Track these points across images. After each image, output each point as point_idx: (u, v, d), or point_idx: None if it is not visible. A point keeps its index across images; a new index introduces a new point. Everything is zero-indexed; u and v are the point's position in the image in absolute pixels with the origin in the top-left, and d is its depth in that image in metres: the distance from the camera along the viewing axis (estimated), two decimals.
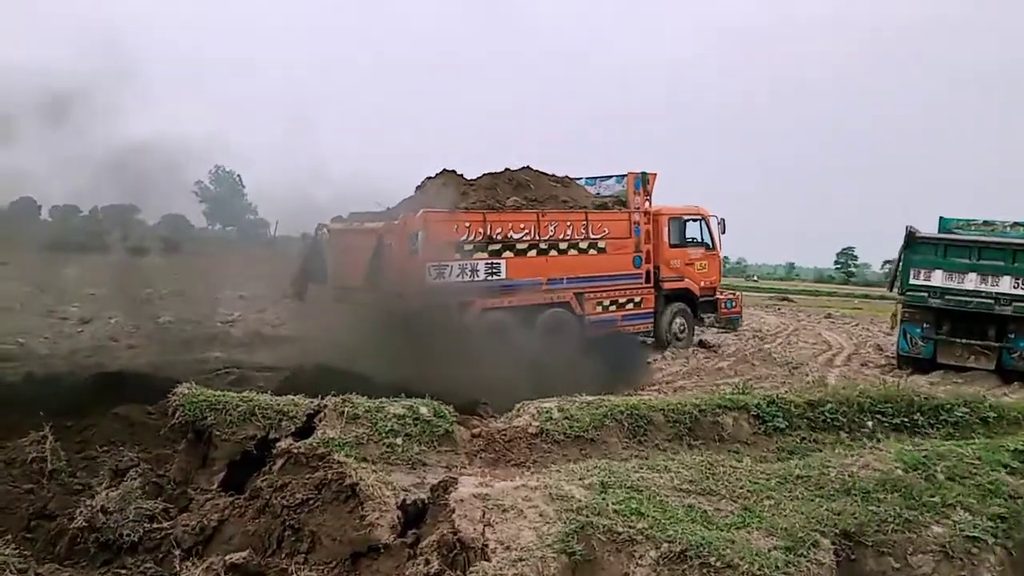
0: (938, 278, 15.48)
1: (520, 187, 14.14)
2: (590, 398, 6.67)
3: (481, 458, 5.71)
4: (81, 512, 4.76)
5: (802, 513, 4.24)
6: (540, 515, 3.95)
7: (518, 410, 6.51)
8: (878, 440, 6.73)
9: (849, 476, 4.68)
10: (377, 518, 4.08)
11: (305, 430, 5.70)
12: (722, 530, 4.01)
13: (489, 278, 12.80)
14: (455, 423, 5.98)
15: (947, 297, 15.24)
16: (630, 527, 3.86)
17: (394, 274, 11.74)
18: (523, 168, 14.64)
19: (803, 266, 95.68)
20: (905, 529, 4.15)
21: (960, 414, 7.07)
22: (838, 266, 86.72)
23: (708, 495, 4.43)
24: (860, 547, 4.11)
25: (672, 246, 15.95)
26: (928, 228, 16.26)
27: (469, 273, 12.61)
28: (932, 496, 4.42)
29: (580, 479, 4.46)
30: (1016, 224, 16.28)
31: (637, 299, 15.12)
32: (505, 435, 6.00)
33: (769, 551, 3.86)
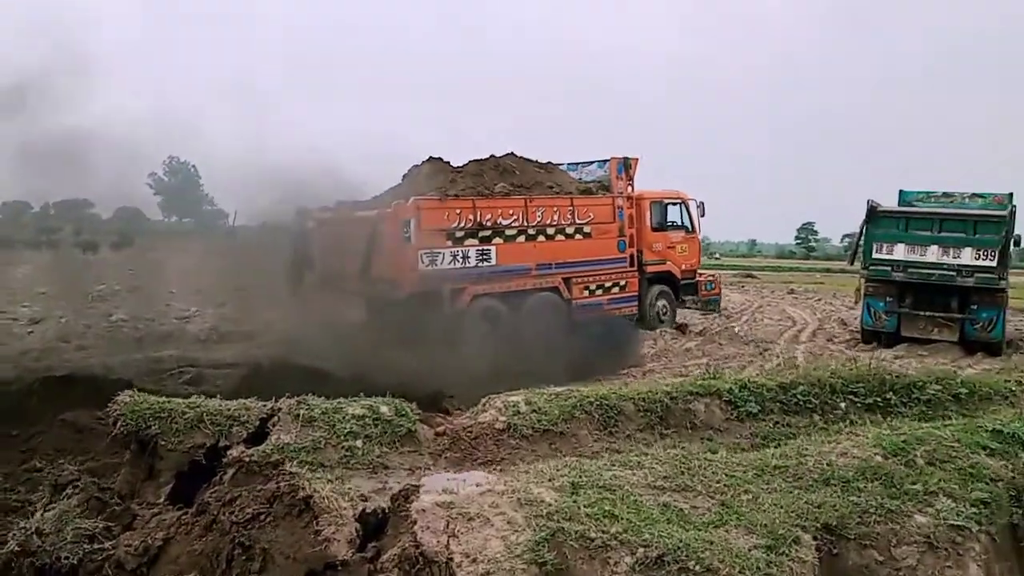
0: (900, 251, 15.53)
1: (506, 173, 14.18)
2: (558, 389, 6.44)
3: (446, 458, 5.45)
4: (14, 535, 4.41)
5: (781, 507, 4.06)
6: (508, 523, 3.71)
7: (484, 404, 6.24)
8: (851, 422, 6.62)
9: (828, 465, 4.51)
10: (333, 532, 3.80)
11: (258, 435, 5.39)
12: (700, 530, 3.81)
13: (480, 264, 12.87)
14: (418, 421, 5.71)
15: (910, 270, 15.31)
16: (603, 532, 3.64)
17: (387, 262, 11.83)
18: (508, 155, 14.66)
19: (765, 242, 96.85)
20: (888, 520, 3.99)
21: (932, 392, 6.98)
22: (799, 241, 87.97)
23: (684, 491, 4.22)
24: (842, 541, 3.94)
25: (654, 230, 16.14)
26: (888, 202, 16.31)
27: (460, 260, 12.66)
28: (913, 483, 4.27)
29: (550, 480, 4.23)
30: (975, 195, 16.37)
31: (622, 283, 15.25)
32: (471, 432, 5.75)
33: (749, 551, 3.67)
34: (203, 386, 9.79)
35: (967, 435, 4.90)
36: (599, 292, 14.79)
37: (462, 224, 12.67)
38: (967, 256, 14.72)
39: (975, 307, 14.85)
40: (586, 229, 14.47)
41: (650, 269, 15.98)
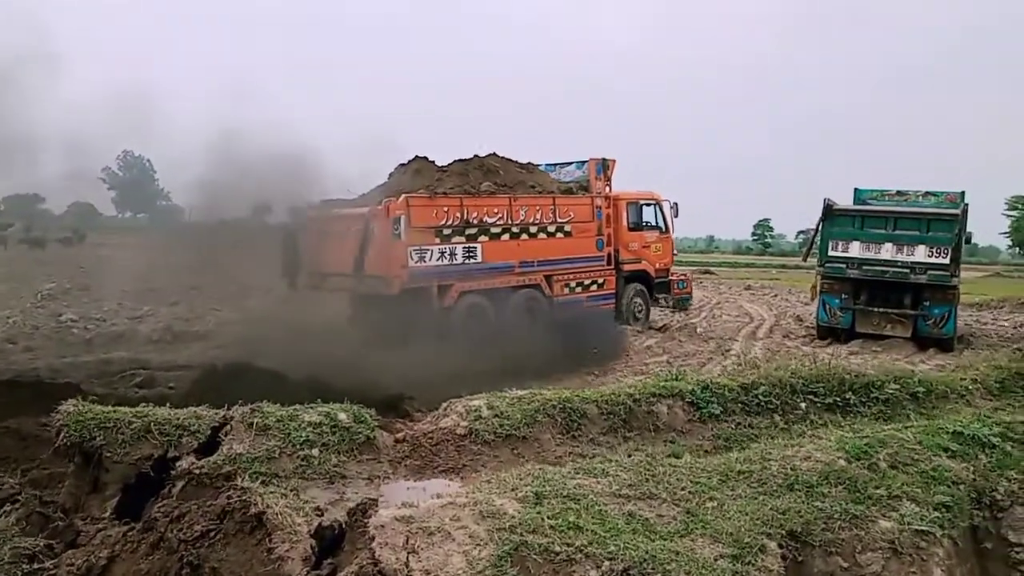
0: (856, 249, 15.76)
1: (490, 173, 14.44)
2: (521, 392, 6.33)
3: (406, 465, 5.30)
4: None
5: (746, 514, 4.02)
6: (470, 536, 3.60)
7: (445, 409, 6.11)
8: (812, 422, 6.66)
9: (791, 469, 4.48)
10: (287, 550, 3.65)
11: (210, 445, 5.18)
12: (665, 540, 3.74)
13: (466, 261, 13.13)
14: (377, 428, 5.55)
15: (864, 267, 15.53)
16: (568, 545, 3.55)
17: (378, 259, 12.04)
18: (490, 155, 14.94)
19: (722, 238, 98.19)
20: (852, 526, 3.97)
21: (890, 391, 7.04)
22: (755, 237, 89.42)
23: (649, 499, 4.15)
24: (807, 547, 3.91)
25: (630, 229, 16.51)
26: (844, 200, 16.54)
27: (448, 257, 12.91)
28: (877, 487, 4.26)
29: (513, 490, 4.12)
30: (928, 193, 16.67)
31: (600, 280, 15.61)
32: (432, 438, 5.61)
33: (715, 560, 3.62)
34: (155, 388, 9.53)
35: (928, 437, 4.93)
36: (579, 289, 15.10)
37: (450, 222, 12.88)
38: (920, 254, 14.99)
39: (928, 304, 15.13)
40: (567, 228, 14.83)
41: (626, 268, 16.31)
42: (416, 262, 12.29)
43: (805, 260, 18.43)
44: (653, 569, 3.41)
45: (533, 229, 14.21)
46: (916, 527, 3.95)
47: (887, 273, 15.25)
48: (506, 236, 13.76)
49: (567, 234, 14.82)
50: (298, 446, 5.05)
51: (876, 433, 5.00)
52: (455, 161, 14.48)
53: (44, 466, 5.77)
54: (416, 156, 14.44)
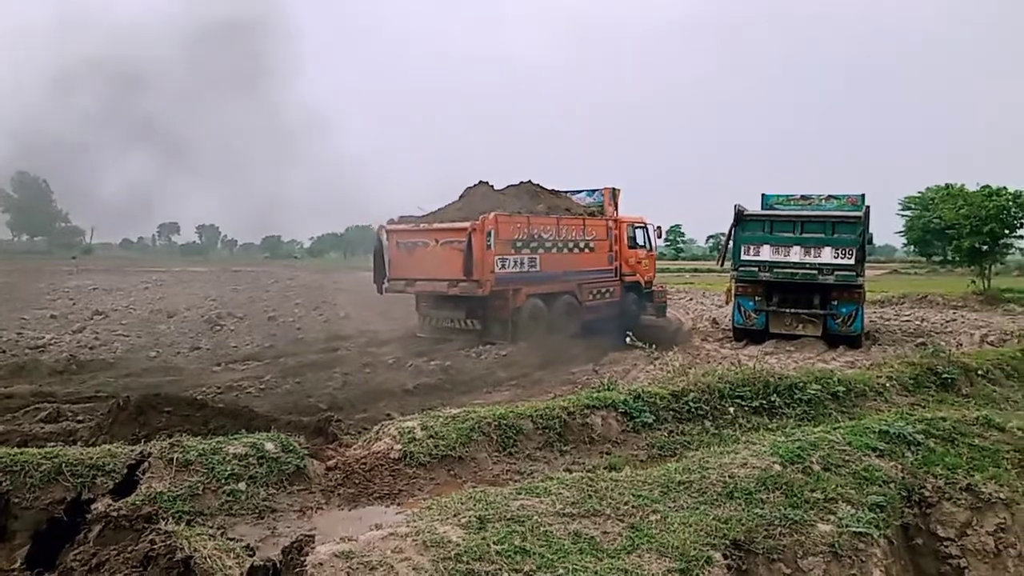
0: (766, 252, 16.31)
1: (534, 197, 17.60)
2: (455, 411, 6.20)
3: (340, 494, 5.09)
4: None
5: (690, 526, 4.01)
6: (414, 569, 3.46)
7: (377, 432, 5.92)
8: (740, 426, 6.78)
9: (730, 477, 4.52)
10: None
11: (127, 485, 4.85)
12: (612, 558, 3.70)
13: (530, 270, 16.01)
14: (307, 456, 5.32)
15: (775, 270, 16.08)
16: (516, 570, 3.45)
17: (475, 265, 14.69)
18: (527, 182, 18.12)
19: None
20: (792, 531, 4.02)
21: (813, 391, 7.24)
22: (668, 243, 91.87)
23: (593, 517, 4.10)
24: (751, 556, 3.93)
25: (629, 248, 19.44)
26: (752, 205, 17.12)
27: (520, 265, 15.74)
28: (813, 491, 4.34)
29: (455, 515, 4.00)
30: (830, 197, 17.45)
31: (612, 289, 18.68)
32: (365, 464, 5.41)
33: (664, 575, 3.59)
34: (61, 423, 8.96)
35: (856, 437, 5.06)
36: (598, 297, 18.13)
37: (521, 236, 15.69)
38: (827, 255, 15.62)
39: (836, 303, 15.79)
40: (592, 245, 17.84)
41: (627, 279, 19.22)
42: (500, 269, 15.15)
43: (720, 264, 19.01)
44: None
45: (571, 245, 17.20)
46: (853, 529, 4.03)
47: (797, 275, 15.83)
48: (555, 250, 16.64)
49: (592, 250, 17.84)
50: (223, 481, 4.78)
51: (807, 436, 5.10)
52: (508, 186, 17.75)
53: None
54: (480, 181, 17.46)
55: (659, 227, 20.91)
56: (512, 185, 17.83)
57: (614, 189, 19.17)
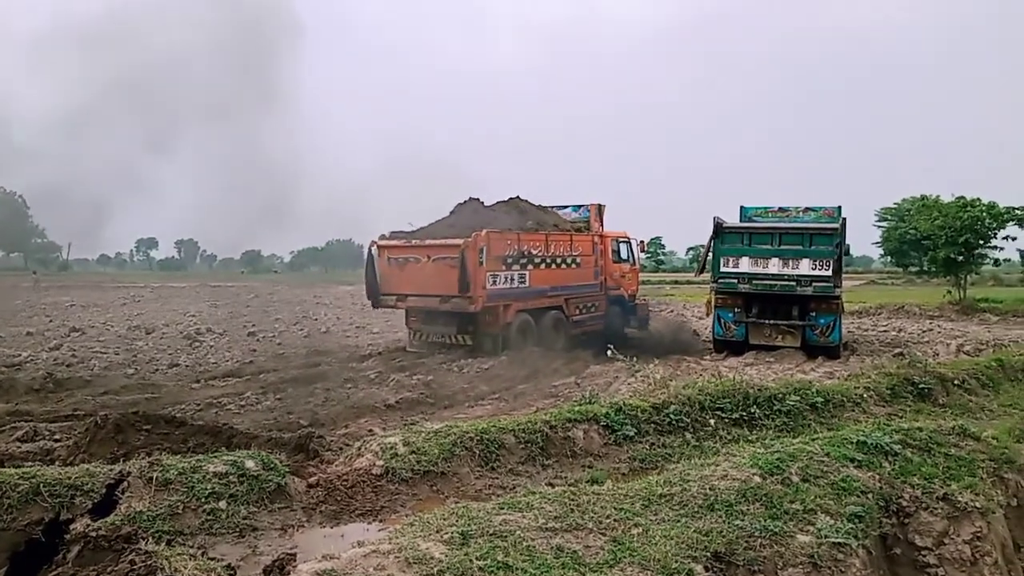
0: (745, 264, 16.47)
1: (523, 213, 17.78)
2: (437, 426, 6.20)
3: (321, 512, 5.07)
4: None
5: (671, 538, 4.03)
6: None
7: (359, 448, 5.91)
8: (721, 437, 6.83)
9: (711, 489, 4.55)
10: None
11: (106, 504, 4.81)
12: (595, 571, 3.71)
13: (519, 285, 16.21)
14: (288, 474, 5.30)
15: (754, 282, 16.24)
16: None
17: (470, 281, 14.82)
18: (515, 197, 18.38)
19: None
20: (773, 542, 4.05)
21: (792, 403, 7.31)
22: (648, 255, 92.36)
23: (575, 531, 4.11)
24: (732, 567, 3.96)
25: (613, 262, 19.66)
26: (731, 217, 17.28)
27: (510, 281, 15.95)
28: (792, 502, 4.38)
29: (437, 532, 3.99)
30: (807, 209, 17.65)
31: (597, 303, 18.88)
32: (347, 480, 5.39)
33: None
34: (39, 441, 8.83)
35: (835, 448, 5.12)
36: (584, 311, 18.36)
37: (511, 253, 15.82)
38: (805, 267, 15.79)
39: (814, 314, 15.96)
40: (578, 260, 17.99)
41: (611, 294, 19.42)
42: (492, 285, 15.33)
43: (698, 275, 19.23)
44: None
45: (559, 261, 17.35)
46: (833, 539, 4.07)
47: (775, 287, 15.99)
48: (543, 265, 16.81)
49: (579, 265, 18.00)
50: (203, 499, 4.74)
51: (786, 447, 5.15)
52: (498, 202, 17.96)
53: None
54: (470, 197, 17.68)
55: (642, 241, 21.30)
56: (501, 201, 18.10)
57: (600, 205, 19.48)
